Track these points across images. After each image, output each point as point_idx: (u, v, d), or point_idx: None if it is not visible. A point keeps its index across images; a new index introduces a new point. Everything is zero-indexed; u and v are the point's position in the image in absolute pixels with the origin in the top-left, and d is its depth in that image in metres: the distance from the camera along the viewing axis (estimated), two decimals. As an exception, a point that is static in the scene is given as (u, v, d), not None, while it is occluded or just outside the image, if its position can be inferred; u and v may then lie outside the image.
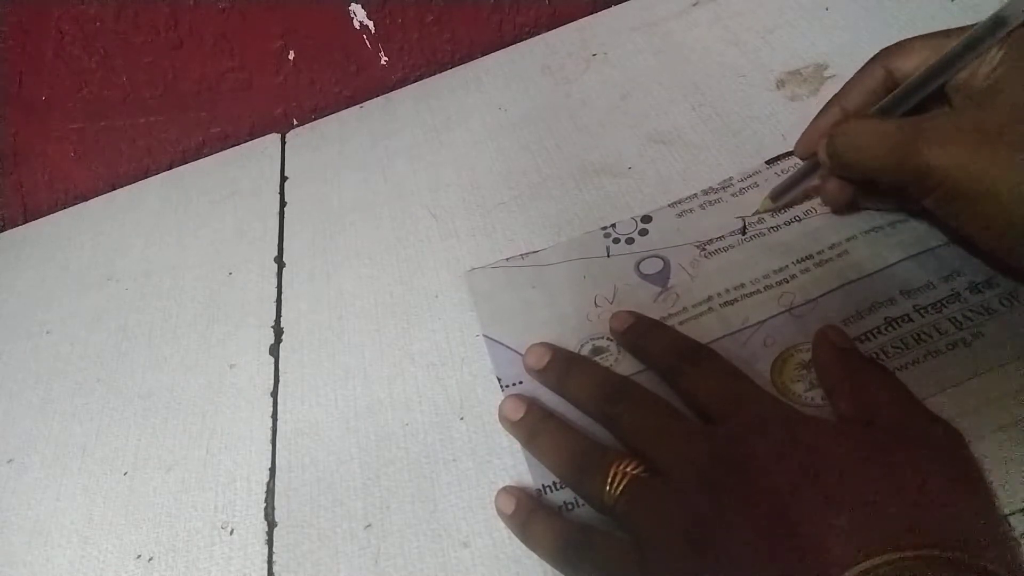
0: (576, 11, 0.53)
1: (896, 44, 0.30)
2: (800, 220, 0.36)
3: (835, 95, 0.32)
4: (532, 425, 0.32)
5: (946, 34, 0.29)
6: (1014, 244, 0.27)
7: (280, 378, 0.40)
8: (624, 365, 0.33)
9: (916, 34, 0.41)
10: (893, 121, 0.29)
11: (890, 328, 0.30)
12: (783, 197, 0.36)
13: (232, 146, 0.56)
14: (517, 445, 0.32)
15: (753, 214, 0.37)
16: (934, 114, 0.29)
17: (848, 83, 0.32)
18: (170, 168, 0.57)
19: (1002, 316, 0.29)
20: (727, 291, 0.34)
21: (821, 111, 0.33)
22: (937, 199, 0.27)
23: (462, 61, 0.55)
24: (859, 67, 0.41)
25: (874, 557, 0.22)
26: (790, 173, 0.36)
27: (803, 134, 0.34)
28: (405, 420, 0.35)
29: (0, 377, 0.46)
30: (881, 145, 0.28)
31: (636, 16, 0.52)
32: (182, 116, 0.54)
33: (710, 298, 0.34)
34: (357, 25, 0.51)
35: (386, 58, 0.54)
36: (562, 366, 0.33)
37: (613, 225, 0.39)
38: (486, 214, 0.43)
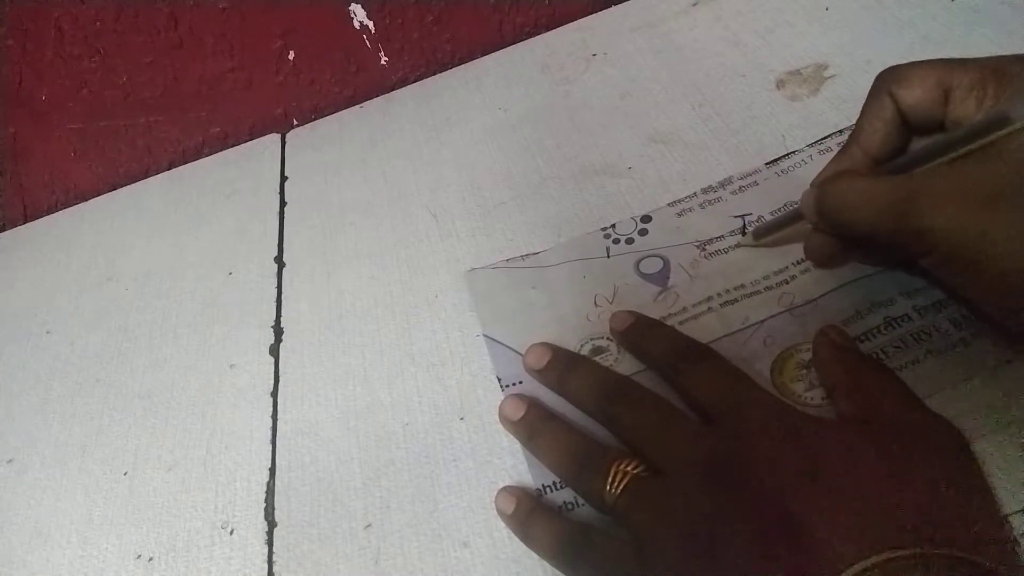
0: (576, 11, 0.54)
1: (898, 69, 0.28)
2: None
3: (850, 135, 0.30)
4: (532, 425, 0.32)
5: (947, 63, 0.27)
6: (1008, 310, 0.25)
7: (280, 378, 0.40)
8: (624, 365, 0.33)
9: (915, 34, 0.42)
10: (886, 179, 0.27)
11: (890, 328, 0.30)
12: (766, 238, 0.34)
13: (232, 146, 0.56)
14: (517, 445, 0.32)
15: (736, 246, 0.36)
16: (931, 171, 0.26)
17: (860, 119, 0.30)
18: (170, 168, 0.57)
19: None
20: (727, 291, 0.34)
21: (839, 153, 0.30)
22: (934, 261, 0.26)
23: (462, 61, 0.55)
24: (858, 67, 0.41)
25: (873, 555, 0.22)
26: (777, 215, 0.34)
27: (816, 179, 0.31)
28: (405, 420, 0.35)
29: (0, 377, 0.46)
30: (874, 205, 0.27)
31: (636, 16, 0.52)
32: (182, 116, 0.55)
33: (710, 298, 0.34)
34: (357, 25, 0.51)
35: (386, 58, 0.54)
36: (562, 366, 0.33)
37: (613, 225, 0.39)
38: (486, 214, 0.43)
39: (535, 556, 0.29)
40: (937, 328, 0.30)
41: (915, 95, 0.27)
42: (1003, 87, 0.25)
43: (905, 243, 0.26)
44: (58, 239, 0.54)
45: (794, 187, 0.37)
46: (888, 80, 0.28)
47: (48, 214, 0.57)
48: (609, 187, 0.41)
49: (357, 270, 0.43)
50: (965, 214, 0.24)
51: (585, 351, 0.34)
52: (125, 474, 0.38)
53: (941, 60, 0.27)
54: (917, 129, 0.28)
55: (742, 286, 0.34)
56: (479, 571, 0.30)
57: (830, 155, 0.37)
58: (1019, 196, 0.23)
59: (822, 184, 0.29)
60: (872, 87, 0.29)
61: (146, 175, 0.57)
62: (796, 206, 0.31)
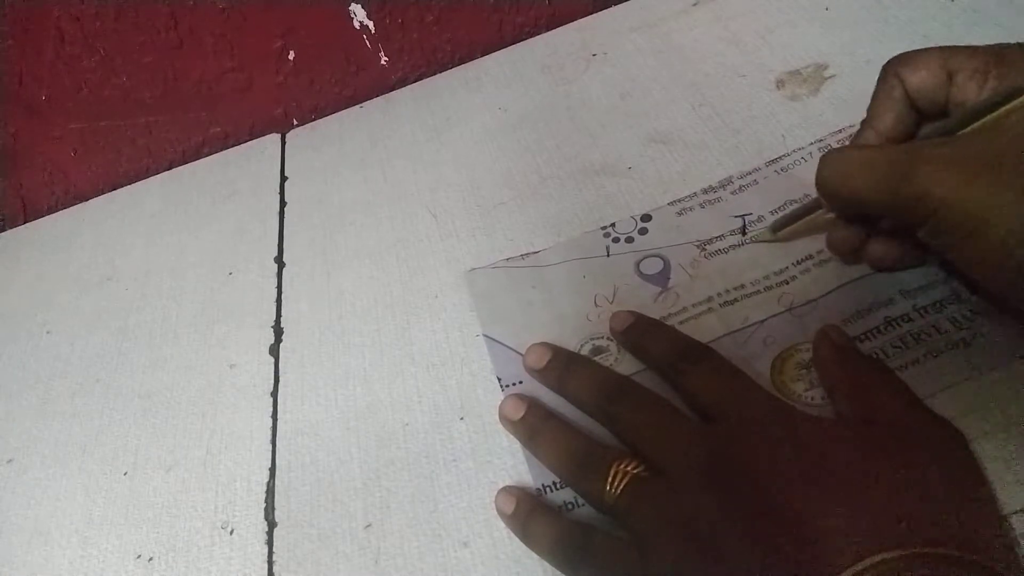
0: (576, 11, 0.54)
1: (905, 54, 0.29)
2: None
3: (864, 120, 0.30)
4: (532, 425, 0.32)
5: (952, 48, 0.28)
6: (1009, 279, 0.25)
7: (280, 378, 0.40)
8: (624, 365, 0.33)
9: (915, 34, 0.42)
10: (885, 148, 0.28)
11: (890, 328, 0.30)
12: (783, 231, 0.34)
13: (232, 146, 0.56)
14: (517, 445, 0.32)
15: (750, 241, 0.36)
16: (931, 140, 0.27)
17: (872, 104, 0.30)
18: (170, 168, 0.57)
19: (1002, 316, 0.29)
20: (727, 291, 0.34)
21: (854, 136, 0.31)
22: (931, 229, 0.26)
23: (462, 61, 0.55)
24: (858, 67, 0.41)
25: (874, 555, 0.22)
26: (793, 207, 0.34)
27: None
28: (405, 420, 0.35)
29: (0, 377, 0.46)
30: (872, 173, 0.27)
31: (636, 16, 0.52)
32: (182, 116, 0.55)
33: (710, 298, 0.34)
34: (357, 25, 0.51)
35: (386, 58, 0.54)
36: (562, 366, 0.33)
37: (613, 224, 0.39)
38: (486, 214, 0.43)
39: (535, 556, 0.29)
40: (937, 328, 0.30)
41: (920, 76, 0.28)
42: (1004, 71, 0.26)
43: (903, 211, 0.26)
44: (58, 239, 0.54)
45: (794, 185, 0.37)
46: (895, 63, 0.29)
47: (48, 214, 0.57)
48: (609, 187, 0.41)
49: (357, 270, 0.43)
50: (964, 179, 0.24)
51: (585, 351, 0.34)
52: (125, 474, 0.38)
53: (947, 46, 0.28)
54: (924, 113, 0.29)
55: (742, 286, 0.34)
56: (479, 571, 0.30)
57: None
58: (1019, 165, 0.24)
59: (823, 156, 0.29)
60: (881, 72, 0.30)
61: (146, 175, 0.57)
62: (814, 196, 0.31)
